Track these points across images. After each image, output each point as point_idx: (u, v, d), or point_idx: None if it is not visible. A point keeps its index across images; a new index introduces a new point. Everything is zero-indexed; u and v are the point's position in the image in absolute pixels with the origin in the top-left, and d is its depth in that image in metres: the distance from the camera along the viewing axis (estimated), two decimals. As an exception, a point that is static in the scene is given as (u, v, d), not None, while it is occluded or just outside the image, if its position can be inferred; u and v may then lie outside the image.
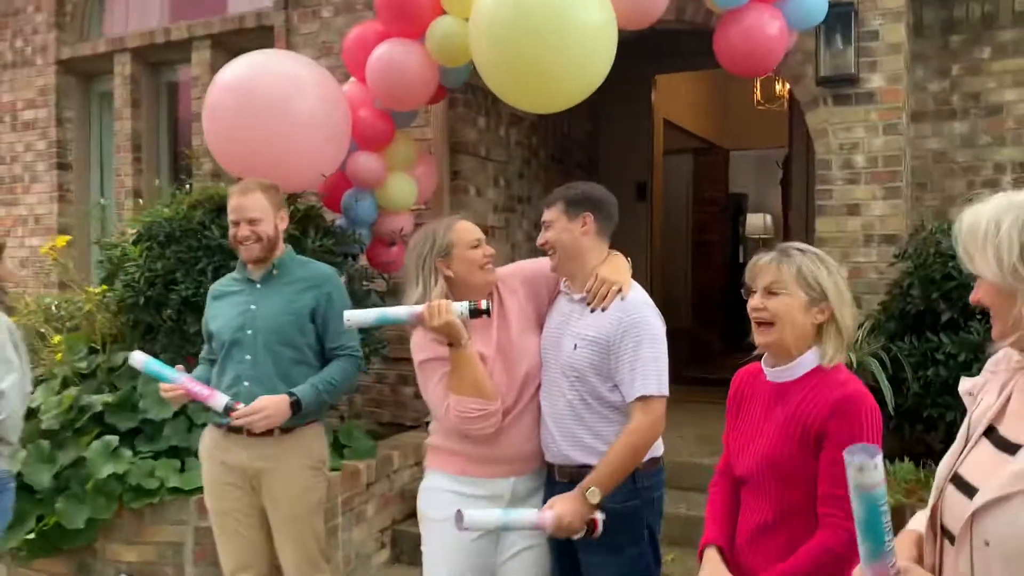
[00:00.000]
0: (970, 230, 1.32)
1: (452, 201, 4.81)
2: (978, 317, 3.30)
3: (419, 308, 2.20)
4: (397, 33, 3.73)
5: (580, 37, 3.20)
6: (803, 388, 1.83)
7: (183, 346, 3.55)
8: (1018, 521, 1.20)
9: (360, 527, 3.81)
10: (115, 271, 3.81)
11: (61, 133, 6.21)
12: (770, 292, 1.86)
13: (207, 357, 2.88)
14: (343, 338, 2.80)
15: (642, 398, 2.17)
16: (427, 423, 2.55)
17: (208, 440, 2.82)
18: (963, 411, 1.45)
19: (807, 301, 1.85)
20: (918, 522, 1.46)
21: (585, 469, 2.20)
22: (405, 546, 4.02)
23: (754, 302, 1.88)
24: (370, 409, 4.97)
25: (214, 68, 4.90)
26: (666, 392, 2.21)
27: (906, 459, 3.46)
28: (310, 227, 3.81)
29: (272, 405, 2.60)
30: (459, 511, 2.09)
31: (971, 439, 1.37)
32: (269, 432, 2.68)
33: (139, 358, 2.61)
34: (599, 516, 2.16)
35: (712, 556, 1.90)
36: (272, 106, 3.58)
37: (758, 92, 8.43)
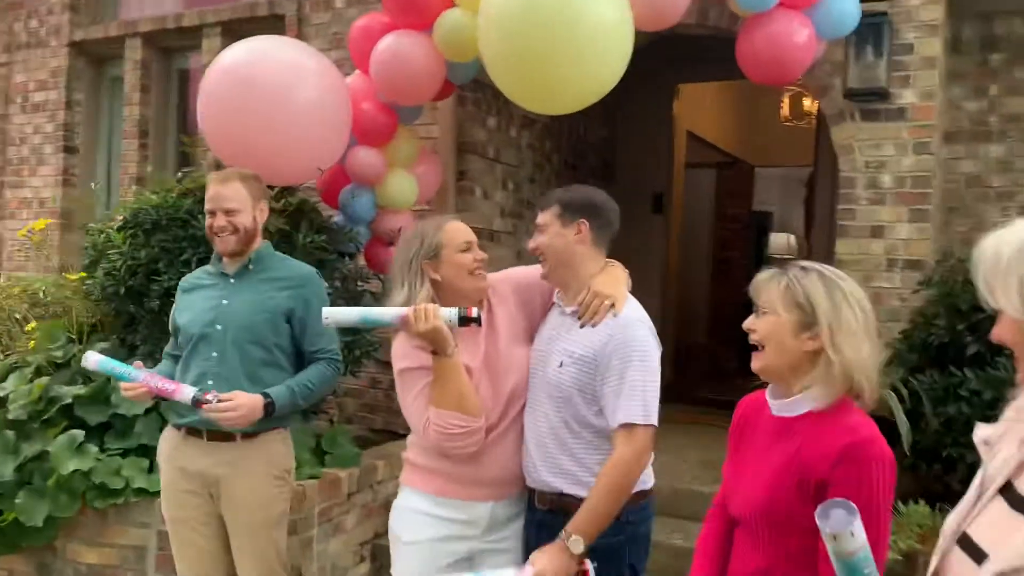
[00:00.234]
0: (992, 260, 1.16)
1: (458, 202, 4.64)
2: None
3: (405, 311, 2.03)
4: (404, 25, 3.63)
5: (592, 33, 3.07)
6: (807, 427, 1.62)
7: (163, 339, 3.39)
8: None
9: (338, 539, 3.62)
10: (98, 258, 3.66)
11: (69, 116, 6.14)
12: (762, 311, 1.66)
13: (172, 352, 2.72)
14: (322, 341, 2.64)
15: (625, 426, 1.97)
16: None
17: (166, 444, 2.66)
18: (985, 454, 1.25)
19: (795, 322, 1.61)
20: None
21: (566, 498, 2.04)
22: (385, 561, 3.78)
23: (746, 322, 1.69)
24: (362, 414, 4.81)
25: (224, 56, 4.79)
26: (654, 421, 2.00)
27: (921, 501, 3.22)
28: (302, 222, 3.65)
29: (247, 403, 2.43)
30: None
31: (984, 495, 1.19)
32: (231, 436, 2.51)
33: (93, 358, 2.43)
34: (589, 565, 1.94)
35: None
36: (271, 93, 3.46)
37: (786, 107, 8.17)
